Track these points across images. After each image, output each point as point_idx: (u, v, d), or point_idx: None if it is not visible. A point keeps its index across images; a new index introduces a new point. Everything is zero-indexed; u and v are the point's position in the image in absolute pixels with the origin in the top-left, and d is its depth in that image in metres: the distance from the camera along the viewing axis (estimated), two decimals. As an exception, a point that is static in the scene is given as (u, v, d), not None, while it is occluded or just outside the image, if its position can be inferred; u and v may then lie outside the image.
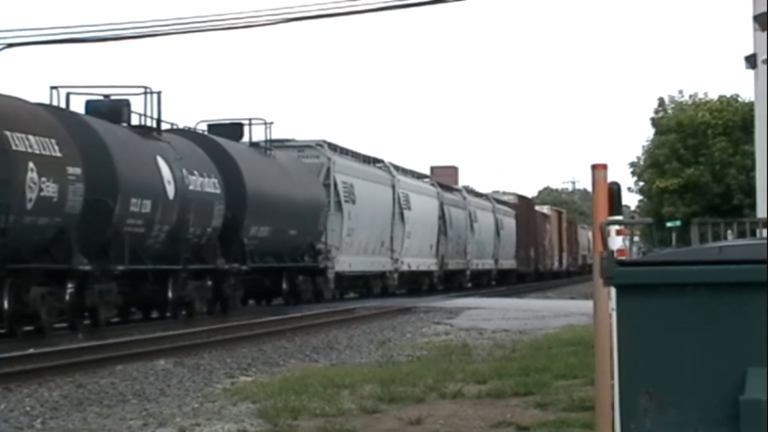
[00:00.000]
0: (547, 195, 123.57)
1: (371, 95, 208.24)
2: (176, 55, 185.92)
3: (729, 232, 18.18)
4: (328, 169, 36.67)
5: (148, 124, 26.62)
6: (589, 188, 7.33)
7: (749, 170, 44.45)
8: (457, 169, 67.80)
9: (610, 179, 6.91)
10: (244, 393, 13.33)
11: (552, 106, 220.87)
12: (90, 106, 25.52)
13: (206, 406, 12.48)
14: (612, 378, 6.02)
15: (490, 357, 17.72)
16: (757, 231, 17.31)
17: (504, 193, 65.53)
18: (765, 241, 5.12)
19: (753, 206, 31.80)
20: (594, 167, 6.92)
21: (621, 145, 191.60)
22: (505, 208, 61.77)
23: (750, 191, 42.04)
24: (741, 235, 17.60)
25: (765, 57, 21.88)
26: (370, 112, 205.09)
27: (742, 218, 29.99)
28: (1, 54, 25.67)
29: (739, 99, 55.07)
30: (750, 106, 40.91)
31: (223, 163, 29.19)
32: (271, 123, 33.39)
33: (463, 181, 63.47)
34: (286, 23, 24.90)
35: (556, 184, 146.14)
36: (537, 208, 71.31)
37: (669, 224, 45.47)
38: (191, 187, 26.68)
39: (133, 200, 24.02)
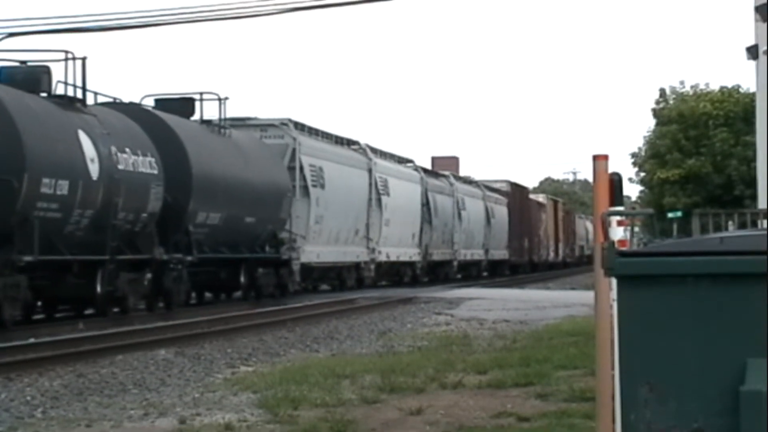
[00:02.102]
0: (549, 185, 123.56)
1: (372, 86, 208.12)
2: (181, 45, 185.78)
3: (730, 223, 18.12)
4: (294, 151, 33.56)
5: (79, 95, 23.46)
6: (590, 179, 7.33)
7: (750, 161, 44.42)
8: (458, 159, 67.76)
9: (611, 170, 6.90)
10: (244, 383, 13.33)
11: (553, 97, 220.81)
12: (4, 73, 22.52)
13: (207, 395, 12.48)
14: (612, 369, 6.02)
15: (490, 347, 17.73)
16: (758, 222, 17.29)
17: (496, 181, 62.93)
18: (766, 232, 5.11)
19: (754, 197, 31.80)
20: (595, 158, 6.91)
21: (622, 136, 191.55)
22: (497, 195, 59.43)
23: (751, 182, 42.02)
24: (742, 226, 17.54)
25: (766, 48, 21.85)
26: (371, 102, 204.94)
27: (743, 209, 29.97)
28: (3, 43, 25.56)
29: (741, 90, 55.02)
30: (751, 97, 40.89)
31: (164, 141, 25.87)
32: (226, 98, 29.94)
33: (464, 171, 63.07)
34: (292, 12, 24.88)
35: (558, 175, 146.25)
36: (532, 196, 69.15)
37: (670, 215, 45.43)
38: (121, 167, 23.38)
39: (45, 180, 20.73)
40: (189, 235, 26.61)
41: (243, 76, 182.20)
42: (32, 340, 18.18)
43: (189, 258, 26.28)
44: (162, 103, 28.74)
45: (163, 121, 26.83)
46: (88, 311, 23.80)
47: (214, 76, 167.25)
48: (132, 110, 26.40)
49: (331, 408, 11.14)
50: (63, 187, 21.30)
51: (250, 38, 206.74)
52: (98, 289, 22.73)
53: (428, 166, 54.42)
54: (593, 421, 7.85)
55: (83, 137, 22.36)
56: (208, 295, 31.23)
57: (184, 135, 27.03)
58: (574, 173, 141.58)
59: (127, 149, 23.97)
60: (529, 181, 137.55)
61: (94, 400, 12.30)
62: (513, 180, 64.34)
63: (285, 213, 32.05)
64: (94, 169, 22.40)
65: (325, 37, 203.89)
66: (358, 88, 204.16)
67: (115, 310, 23.56)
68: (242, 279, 29.98)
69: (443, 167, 55.65)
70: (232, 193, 28.44)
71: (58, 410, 11.70)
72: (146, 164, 24.66)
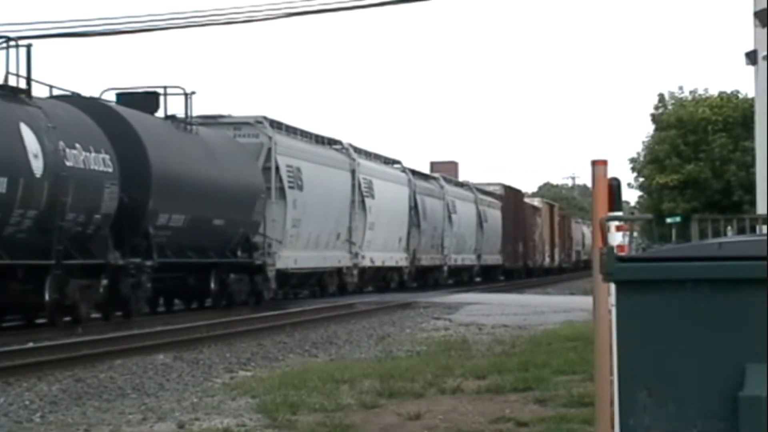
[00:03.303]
0: (547, 190, 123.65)
1: (372, 91, 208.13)
2: (176, 50, 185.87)
3: (729, 228, 18.19)
4: (269, 150, 31.49)
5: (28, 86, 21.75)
6: (589, 184, 7.33)
7: (749, 166, 44.48)
8: (457, 164, 67.60)
9: (610, 175, 6.90)
10: (243, 387, 13.32)
11: (552, 102, 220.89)
12: None
13: (205, 400, 12.47)
14: (611, 374, 6.02)
15: (489, 352, 17.72)
16: (757, 227, 17.33)
17: (489, 184, 61.13)
18: (765, 238, 5.11)
19: (753, 202, 31.80)
20: (594, 163, 6.91)
21: (621, 141, 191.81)
22: (490, 199, 57.77)
23: (750, 187, 42.07)
24: (741, 231, 17.60)
25: (765, 53, 21.86)
26: (370, 108, 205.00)
27: (742, 214, 30.00)
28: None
29: (740, 95, 55.15)
30: (750, 103, 40.95)
31: (121, 137, 23.98)
32: (192, 93, 28.07)
33: (463, 176, 62.90)
34: (287, 18, 24.92)
35: (557, 180, 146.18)
36: (527, 200, 67.67)
37: (669, 220, 45.51)
38: (69, 163, 21.57)
39: None
40: (149, 238, 24.79)
41: (243, 79, 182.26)
42: (31, 344, 18.17)
43: (148, 263, 24.41)
44: (124, 98, 26.87)
45: (120, 115, 24.98)
46: (40, 320, 22.49)
47: (207, 80, 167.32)
48: (86, 104, 24.45)
49: (329, 413, 11.13)
50: (1, 184, 19.69)
51: (249, 44, 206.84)
52: (46, 296, 21.03)
53: (427, 171, 53.82)
54: (592, 426, 7.84)
55: (25, 131, 20.65)
56: (177, 303, 29.59)
57: (143, 130, 25.15)
58: (573, 178, 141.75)
59: (78, 145, 22.06)
60: (528, 186, 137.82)
61: (93, 405, 12.30)
62: (510, 184, 63.45)
63: (258, 216, 30.32)
64: (37, 166, 20.68)
65: (325, 43, 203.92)
66: (359, 95, 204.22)
67: (66, 319, 21.84)
68: (212, 285, 28.26)
69: (442, 172, 55.22)
70: (197, 194, 26.70)
71: (56, 415, 11.70)
72: (99, 161, 22.78)
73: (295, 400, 11.90)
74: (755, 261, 4.88)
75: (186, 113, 27.98)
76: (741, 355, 4.87)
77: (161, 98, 27.61)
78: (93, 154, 22.59)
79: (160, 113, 27.59)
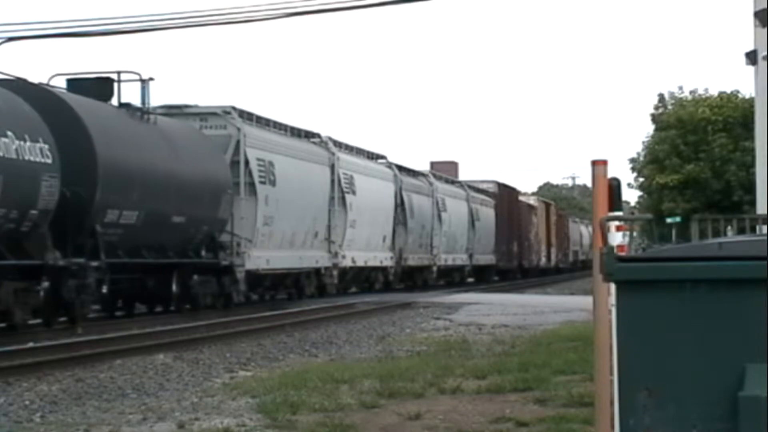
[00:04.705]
0: (547, 190, 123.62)
1: (371, 91, 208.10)
2: (177, 48, 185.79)
3: (729, 228, 18.20)
4: (238, 143, 29.25)
5: None
6: (589, 184, 7.33)
7: (749, 167, 44.45)
8: (457, 164, 67.55)
9: (610, 175, 6.91)
10: (243, 387, 13.33)
11: (552, 102, 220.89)
12: None
13: (205, 400, 12.47)
14: (611, 374, 6.02)
15: (489, 352, 17.72)
16: (757, 227, 17.32)
17: (482, 181, 59.09)
18: (765, 238, 5.11)
19: (753, 203, 31.80)
20: (594, 163, 6.91)
21: (621, 141, 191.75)
22: (482, 196, 55.86)
23: (750, 188, 42.07)
24: (741, 231, 17.60)
25: (765, 53, 21.86)
26: (370, 107, 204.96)
27: (742, 214, 30.00)
28: (2, 47, 25.53)
29: (740, 95, 55.13)
30: (750, 103, 40.92)
31: (64, 125, 21.83)
32: (150, 79, 25.79)
33: (463, 176, 62.74)
34: (287, 18, 24.92)
35: (557, 180, 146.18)
36: (522, 198, 65.61)
37: (669, 220, 45.48)
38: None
39: None
40: (96, 236, 22.45)
41: (244, 79, 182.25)
42: (31, 344, 18.18)
43: (94, 264, 22.07)
44: (75, 84, 24.58)
45: (63, 101, 22.68)
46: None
47: (207, 80, 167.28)
48: (27, 90, 22.16)
49: (329, 413, 11.13)
50: None
51: (249, 44, 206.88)
52: None
53: (427, 170, 53.35)
54: (592, 426, 7.85)
55: None
56: (141, 307, 27.32)
57: (90, 119, 22.79)
58: (573, 178, 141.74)
59: (9, 133, 19.97)
60: (528, 186, 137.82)
61: (93, 405, 12.30)
62: (511, 183, 62.41)
63: (225, 213, 28.12)
64: None
65: (325, 43, 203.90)
66: (359, 96, 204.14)
67: (1, 325, 20.31)
68: (174, 288, 26.16)
69: (442, 172, 54.96)
70: (154, 188, 24.56)
71: (56, 414, 11.70)
72: (36, 151, 20.62)
73: (295, 400, 11.90)
74: (755, 261, 4.88)
75: (142, 101, 25.73)
76: (741, 355, 4.87)
77: (116, 85, 25.39)
78: (28, 143, 20.43)
79: (134, 102, 25.76)
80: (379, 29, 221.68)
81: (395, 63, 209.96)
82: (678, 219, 45.04)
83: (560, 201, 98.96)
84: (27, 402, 12.58)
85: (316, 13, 24.65)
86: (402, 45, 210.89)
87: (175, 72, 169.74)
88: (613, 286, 5.36)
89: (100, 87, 24.95)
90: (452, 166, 65.03)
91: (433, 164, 62.34)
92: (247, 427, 10.56)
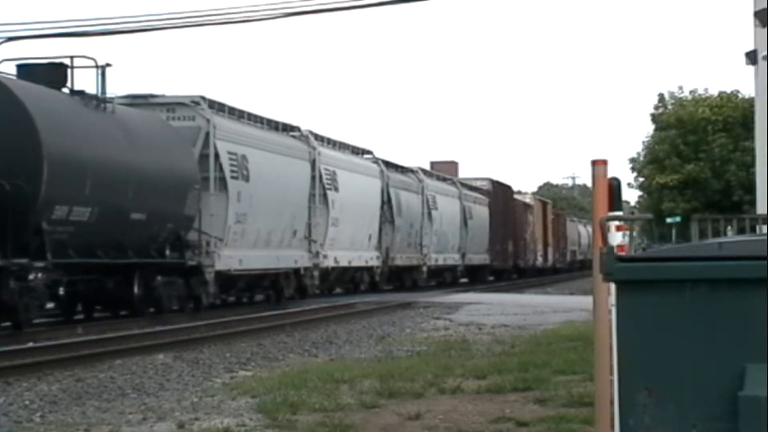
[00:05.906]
0: (547, 190, 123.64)
1: (371, 91, 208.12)
2: (176, 50, 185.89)
3: (729, 228, 18.20)
4: (207, 135, 27.35)
5: None
6: (589, 184, 7.33)
7: (749, 166, 44.49)
8: (457, 164, 67.51)
9: (610, 175, 6.91)
10: (243, 387, 13.33)
11: (552, 102, 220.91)
12: None
13: (205, 400, 12.47)
14: (611, 374, 6.02)
15: (489, 352, 17.72)
16: (757, 227, 17.33)
17: (476, 179, 57.18)
18: (765, 238, 5.11)
19: (753, 202, 31.82)
20: (594, 163, 6.91)
21: (621, 141, 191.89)
22: (476, 194, 54.08)
23: (750, 187, 42.09)
24: (741, 231, 17.61)
25: (765, 53, 21.87)
26: (371, 108, 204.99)
27: (742, 214, 30.01)
28: (2, 47, 25.50)
29: (740, 95, 55.18)
30: (750, 102, 40.95)
31: (4, 113, 20.31)
32: (107, 65, 23.81)
33: (462, 176, 62.57)
34: (285, 18, 24.93)
35: (557, 180, 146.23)
36: (517, 196, 63.75)
37: (669, 220, 45.54)
38: None
39: None
40: (42, 234, 20.56)
41: (243, 80, 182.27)
42: (31, 344, 18.18)
43: (39, 264, 20.28)
44: (25, 70, 22.77)
45: (4, 86, 20.80)
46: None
47: (207, 80, 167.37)
48: None
49: (329, 413, 11.13)
50: None
51: (249, 44, 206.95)
52: None
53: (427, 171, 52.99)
54: (592, 426, 7.85)
55: None
56: (99, 310, 25.58)
57: (35, 106, 20.85)
58: (573, 178, 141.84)
59: None
60: (529, 186, 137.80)
61: (93, 405, 12.30)
62: (502, 181, 60.86)
63: (192, 209, 26.18)
64: None
65: (324, 44, 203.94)
66: (358, 96, 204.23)
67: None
68: (135, 290, 24.33)
69: (442, 172, 54.63)
70: (109, 182, 22.67)
71: (56, 414, 11.70)
72: None
73: (295, 400, 11.90)
74: (755, 261, 4.88)
75: (98, 89, 23.72)
76: (741, 355, 4.87)
77: (69, 71, 23.40)
78: None
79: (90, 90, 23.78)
80: (379, 29, 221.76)
81: (395, 63, 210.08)
82: (678, 219, 45.09)
83: (560, 201, 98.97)
84: (27, 402, 12.58)
85: (315, 13, 24.66)
86: (401, 45, 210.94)
87: (174, 72, 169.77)
88: (613, 286, 5.36)
89: (51, 73, 22.92)
90: (452, 165, 64.99)
91: (433, 164, 62.32)
92: (247, 427, 10.56)
